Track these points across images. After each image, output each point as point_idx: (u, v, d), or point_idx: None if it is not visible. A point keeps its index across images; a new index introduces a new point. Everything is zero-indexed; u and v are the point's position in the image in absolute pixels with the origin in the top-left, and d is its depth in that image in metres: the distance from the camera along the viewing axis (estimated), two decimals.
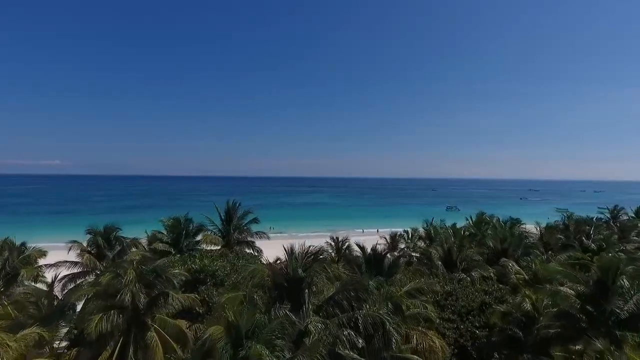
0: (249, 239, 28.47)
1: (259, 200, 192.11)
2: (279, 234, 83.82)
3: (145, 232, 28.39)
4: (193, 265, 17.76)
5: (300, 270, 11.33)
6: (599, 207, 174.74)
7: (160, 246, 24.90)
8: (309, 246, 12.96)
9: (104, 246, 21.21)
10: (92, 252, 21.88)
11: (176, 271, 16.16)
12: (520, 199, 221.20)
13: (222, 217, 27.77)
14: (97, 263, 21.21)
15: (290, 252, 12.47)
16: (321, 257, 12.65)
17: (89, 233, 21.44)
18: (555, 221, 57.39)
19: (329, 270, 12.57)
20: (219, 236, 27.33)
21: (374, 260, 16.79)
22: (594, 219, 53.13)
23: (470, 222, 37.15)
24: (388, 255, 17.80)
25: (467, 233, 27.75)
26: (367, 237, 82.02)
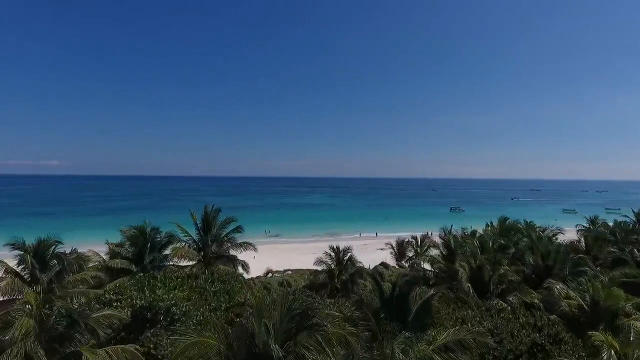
0: (232, 252, 23.45)
1: (257, 201, 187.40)
2: (274, 238, 78.87)
3: (107, 242, 23.39)
4: (138, 301, 12.86)
5: (276, 348, 6.28)
6: (606, 208, 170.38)
7: (117, 263, 19.94)
8: (292, 298, 7.87)
9: (34, 266, 16.21)
10: (23, 273, 16.92)
11: (107, 312, 11.23)
12: (512, 199, 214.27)
13: (199, 226, 22.80)
14: (27, 288, 16.23)
15: (257, 311, 7.30)
16: (315, 319, 7.40)
17: (16, 249, 16.44)
18: (576, 225, 52.50)
19: (326, 350, 7.26)
20: (194, 249, 22.35)
21: (396, 300, 11.64)
22: (622, 223, 48.26)
23: (492, 228, 32.15)
24: (417, 289, 12.60)
25: (496, 245, 22.80)
26: (367, 242, 76.58)
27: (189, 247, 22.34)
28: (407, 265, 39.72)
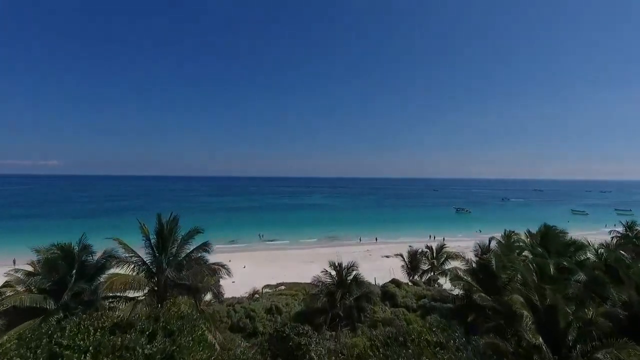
0: (197, 276, 17.25)
1: (255, 201, 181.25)
2: (270, 243, 72.37)
3: (31, 263, 17.28)
4: None
5: None
6: (616, 209, 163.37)
7: (25, 299, 13.86)
8: None
9: None
10: None
11: None
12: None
13: (151, 243, 16.69)
14: None
15: None
16: None
17: None
18: (610, 231, 46.30)
19: None
20: (144, 275, 16.23)
21: None
22: None
23: (531, 238, 26.06)
24: None
25: (552, 269, 16.58)
26: (370, 247, 69.98)
27: (139, 271, 16.23)
28: (422, 280, 33.59)
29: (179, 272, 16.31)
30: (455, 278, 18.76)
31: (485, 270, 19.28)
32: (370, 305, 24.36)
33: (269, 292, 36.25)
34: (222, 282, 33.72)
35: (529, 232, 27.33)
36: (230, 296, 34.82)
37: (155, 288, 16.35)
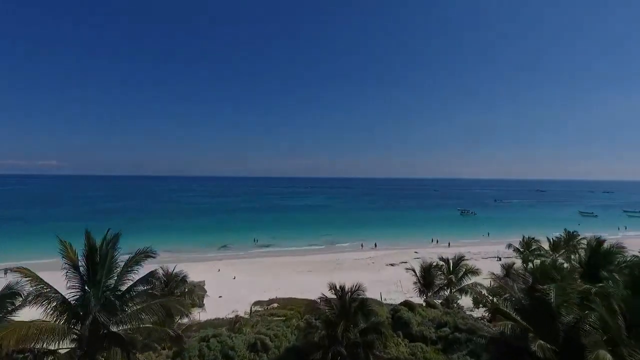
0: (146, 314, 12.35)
1: (252, 202, 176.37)
2: (265, 249, 67.18)
3: None
4: None
5: None
6: (625, 210, 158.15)
7: None
8: None
9: None
10: None
11: None
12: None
13: (80, 271, 11.88)
14: None
15: None
16: None
17: None
18: None
19: None
20: (65, 320, 11.40)
21: None
22: None
23: (575, 253, 21.22)
24: None
25: None
26: (372, 254, 63.02)
27: (58, 315, 11.34)
28: (436, 298, 28.73)
29: (114, 315, 11.41)
30: (501, 316, 13.95)
31: (536, 301, 14.42)
32: (382, 339, 19.66)
33: (259, 310, 31.44)
34: (205, 299, 28.79)
35: (550, 240, 22.40)
36: (213, 317, 29.85)
37: (78, 337, 11.47)
